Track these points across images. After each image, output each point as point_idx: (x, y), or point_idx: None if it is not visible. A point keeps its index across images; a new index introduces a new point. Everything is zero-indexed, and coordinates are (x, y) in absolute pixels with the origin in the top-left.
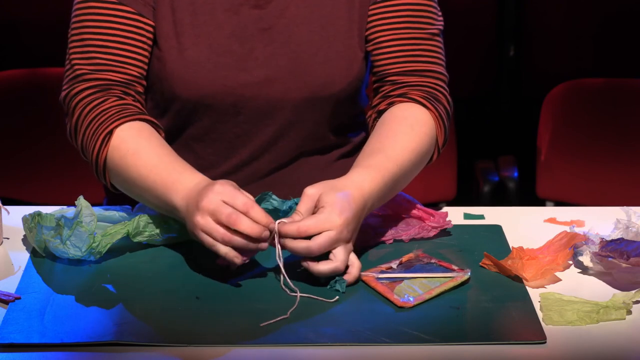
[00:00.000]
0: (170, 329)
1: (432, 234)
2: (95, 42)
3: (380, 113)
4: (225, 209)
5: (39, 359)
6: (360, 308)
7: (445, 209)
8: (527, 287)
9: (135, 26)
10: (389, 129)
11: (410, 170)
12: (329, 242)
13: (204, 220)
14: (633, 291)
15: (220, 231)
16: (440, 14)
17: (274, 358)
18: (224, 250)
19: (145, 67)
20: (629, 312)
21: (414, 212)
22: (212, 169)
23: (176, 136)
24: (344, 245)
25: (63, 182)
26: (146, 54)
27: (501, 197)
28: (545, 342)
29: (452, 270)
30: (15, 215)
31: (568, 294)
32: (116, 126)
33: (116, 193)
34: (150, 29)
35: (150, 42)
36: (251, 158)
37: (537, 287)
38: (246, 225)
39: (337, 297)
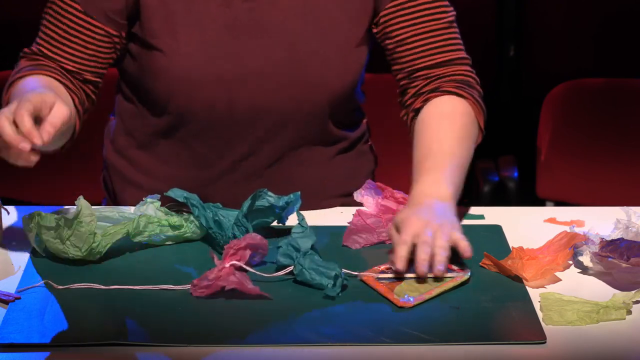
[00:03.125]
0: (170, 329)
1: None
2: (48, 31)
3: (417, 111)
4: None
5: (39, 359)
6: (360, 308)
7: None
8: (527, 287)
9: (85, 27)
10: (431, 132)
11: (467, 158)
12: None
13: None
14: (633, 291)
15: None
16: (448, 2)
17: (274, 358)
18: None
19: (88, 61)
20: (629, 312)
21: None
22: (210, 164)
23: (174, 133)
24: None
25: (63, 182)
26: (89, 52)
27: (501, 197)
28: (545, 342)
29: (452, 271)
30: (15, 215)
31: (568, 294)
32: (18, 78)
33: (115, 196)
34: (101, 31)
35: (99, 42)
36: (249, 153)
37: (537, 287)
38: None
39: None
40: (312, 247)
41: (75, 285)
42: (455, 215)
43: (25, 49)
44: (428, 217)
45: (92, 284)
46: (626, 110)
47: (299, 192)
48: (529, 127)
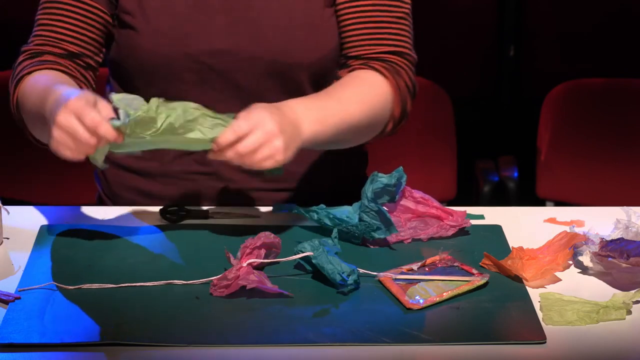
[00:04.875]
0: (170, 329)
1: (450, 233)
2: (44, 21)
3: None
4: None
5: (39, 359)
6: (360, 308)
7: None
8: (527, 287)
9: (82, 8)
10: (342, 83)
11: (358, 122)
12: (256, 133)
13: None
14: (633, 291)
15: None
16: None
17: (274, 358)
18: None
19: (88, 44)
20: (629, 312)
21: (432, 211)
22: None
23: None
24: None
25: (63, 182)
26: (88, 33)
27: (501, 197)
28: (545, 342)
29: (471, 274)
30: (16, 215)
31: (568, 294)
32: (25, 74)
33: (107, 192)
34: (97, 11)
35: (96, 22)
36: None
37: (537, 287)
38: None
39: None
40: (336, 253)
41: (79, 286)
42: (293, 146)
43: (25, 46)
44: (275, 123)
45: (94, 284)
46: (626, 110)
47: (402, 167)
48: (529, 127)
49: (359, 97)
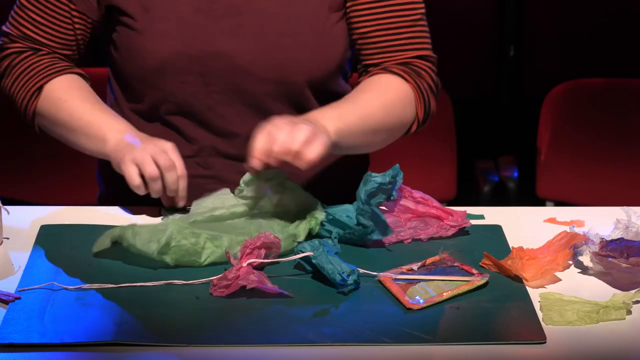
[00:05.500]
0: (170, 329)
1: (450, 233)
2: (28, 12)
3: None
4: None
5: (39, 359)
6: (360, 308)
7: None
8: (527, 287)
9: (60, 7)
10: (359, 88)
11: (381, 121)
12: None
13: (142, 155)
14: (633, 291)
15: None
16: None
17: (274, 358)
18: (137, 181)
19: (75, 48)
20: (629, 312)
21: (432, 211)
22: (191, 142)
23: (156, 114)
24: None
25: (63, 182)
26: (67, 31)
27: (501, 197)
28: (545, 342)
29: (471, 274)
30: (16, 215)
31: (568, 294)
32: (46, 82)
33: (108, 192)
34: (73, 12)
35: (75, 22)
36: (227, 131)
37: (537, 287)
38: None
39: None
40: (336, 253)
41: (79, 286)
42: (324, 136)
43: (5, 29)
44: (298, 119)
45: (94, 284)
46: (626, 110)
47: (398, 165)
48: (529, 127)
49: (377, 97)
